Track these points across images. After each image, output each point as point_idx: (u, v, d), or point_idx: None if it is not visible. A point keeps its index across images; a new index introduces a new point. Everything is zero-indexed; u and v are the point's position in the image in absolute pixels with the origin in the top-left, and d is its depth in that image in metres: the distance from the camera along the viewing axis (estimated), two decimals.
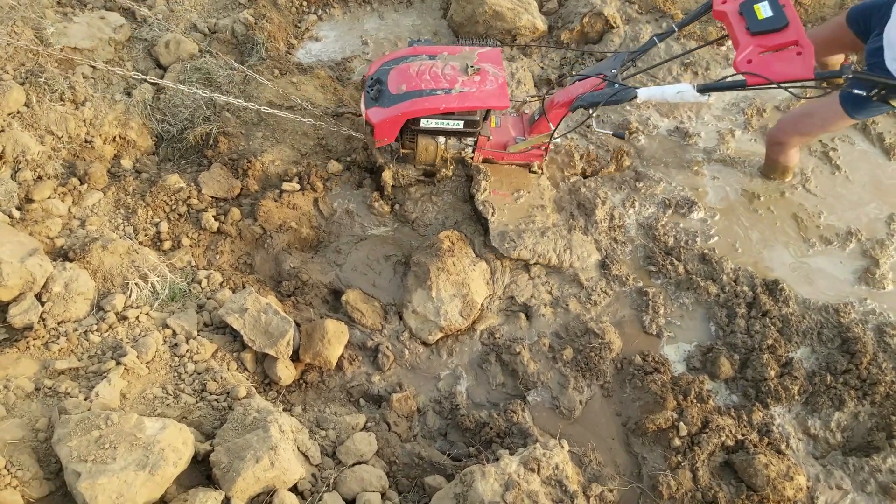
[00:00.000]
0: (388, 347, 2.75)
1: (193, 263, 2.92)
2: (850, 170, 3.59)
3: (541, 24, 4.02)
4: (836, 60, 3.39)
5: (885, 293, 3.14)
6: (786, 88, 2.43)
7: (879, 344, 2.93)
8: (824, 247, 3.28)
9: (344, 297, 2.87)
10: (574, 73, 3.82)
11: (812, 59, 2.37)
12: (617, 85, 2.73)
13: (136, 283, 2.61)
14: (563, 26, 4.06)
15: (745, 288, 3.06)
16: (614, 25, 3.95)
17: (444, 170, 3.24)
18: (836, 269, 3.21)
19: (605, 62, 2.98)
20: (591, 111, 2.79)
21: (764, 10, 2.49)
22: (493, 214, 3.07)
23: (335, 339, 2.61)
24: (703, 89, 2.53)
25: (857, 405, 2.75)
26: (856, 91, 2.65)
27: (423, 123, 2.96)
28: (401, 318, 2.89)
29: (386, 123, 2.89)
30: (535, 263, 3.08)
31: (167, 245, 2.95)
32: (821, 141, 3.66)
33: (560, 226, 3.21)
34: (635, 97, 2.65)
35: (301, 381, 2.64)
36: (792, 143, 3.31)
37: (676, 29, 2.89)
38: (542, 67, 3.96)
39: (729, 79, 2.48)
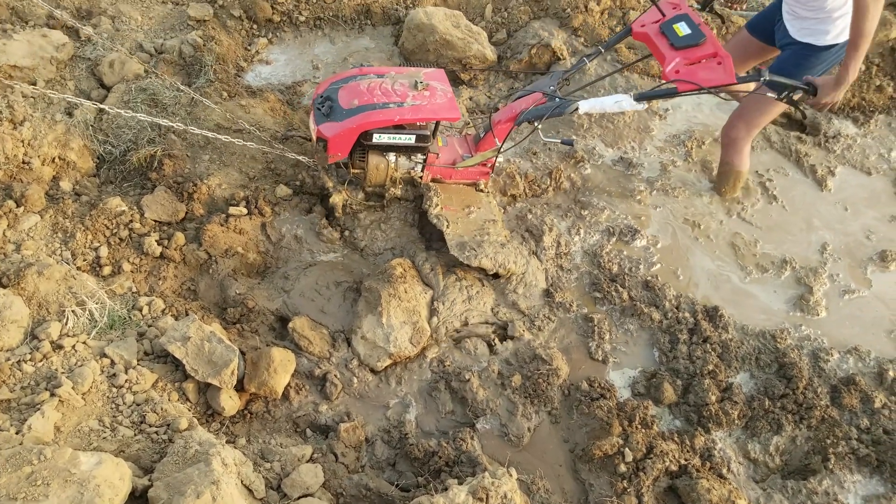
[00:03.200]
0: (336, 376, 2.72)
1: (134, 289, 2.84)
2: (785, 200, 3.75)
3: (490, 53, 4.09)
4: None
5: (819, 319, 3.27)
6: (713, 93, 2.72)
7: (814, 369, 3.05)
8: (761, 274, 3.40)
9: (291, 324, 2.83)
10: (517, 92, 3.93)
11: (731, 66, 2.70)
12: (558, 98, 2.89)
13: (72, 311, 2.52)
14: (511, 56, 4.15)
15: (687, 314, 3.14)
16: (561, 57, 4.06)
17: (393, 189, 3.24)
18: (772, 296, 3.33)
19: (542, 80, 3.17)
20: (536, 124, 2.91)
21: (683, 29, 2.81)
22: (448, 227, 3.08)
23: (281, 367, 2.56)
24: (640, 97, 2.75)
25: (794, 429, 2.84)
26: (769, 94, 2.88)
27: (376, 138, 2.96)
28: (349, 344, 2.86)
29: (340, 137, 2.89)
30: (493, 274, 3.10)
31: (107, 270, 2.86)
32: (757, 171, 3.82)
33: (516, 242, 3.26)
34: (577, 108, 2.81)
35: (246, 412, 2.58)
36: (742, 137, 3.43)
37: (603, 50, 3.16)
38: (489, 97, 4.03)
39: (661, 87, 2.75)
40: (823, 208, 3.75)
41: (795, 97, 2.83)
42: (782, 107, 3.25)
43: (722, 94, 2.89)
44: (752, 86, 3.43)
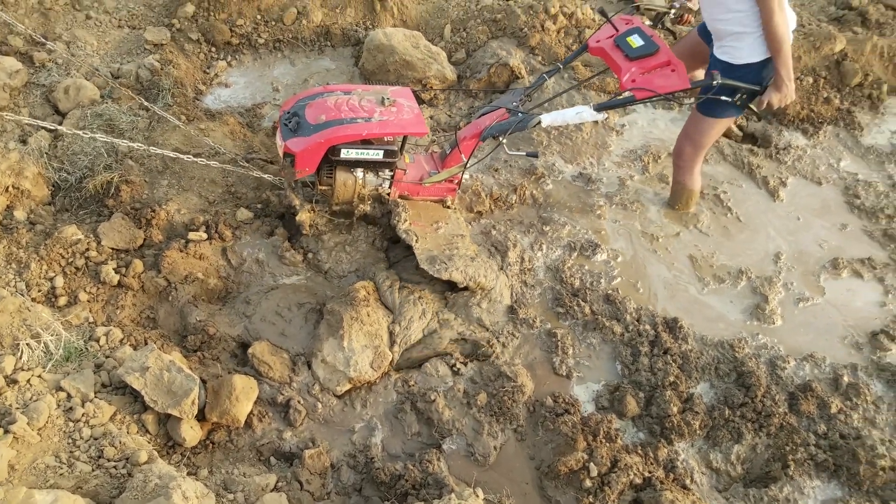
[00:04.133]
0: (299, 402, 2.70)
1: (91, 320, 2.79)
2: (739, 211, 3.85)
3: (450, 73, 4.14)
4: (700, 74, 3.68)
5: (775, 328, 3.34)
6: (669, 99, 2.88)
7: (772, 377, 3.12)
8: (718, 285, 3.48)
9: (250, 350, 2.80)
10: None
11: (685, 72, 2.86)
12: (520, 114, 2.97)
13: (27, 344, 2.46)
14: (471, 76, 4.20)
15: (648, 327, 3.19)
16: (519, 75, 4.12)
17: (361, 206, 3.24)
18: (729, 306, 3.41)
19: (504, 97, 3.29)
20: (500, 139, 2.98)
21: (636, 41, 2.96)
22: (417, 241, 3.09)
23: (244, 395, 2.54)
24: (600, 108, 2.88)
25: (754, 437, 2.90)
26: (723, 97, 3.01)
27: (344, 154, 2.96)
28: (309, 367, 2.84)
29: (307, 152, 2.88)
30: (462, 288, 3.12)
31: (63, 301, 2.81)
32: (711, 184, 3.91)
33: (485, 256, 3.29)
34: (539, 122, 2.91)
35: (207, 442, 2.54)
36: (691, 157, 3.51)
37: (562, 66, 3.26)
38: (450, 115, 4.06)
39: (620, 97, 2.89)
40: (776, 218, 3.86)
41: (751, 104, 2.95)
42: (725, 126, 3.35)
43: (678, 101, 3.02)
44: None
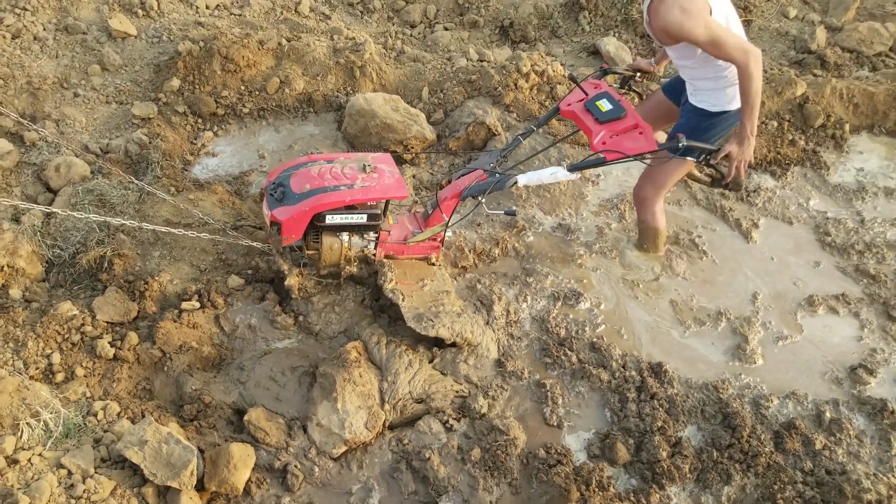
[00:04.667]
0: (296, 466, 2.74)
1: (88, 394, 2.84)
2: (715, 254, 3.98)
3: (429, 133, 4.30)
4: (663, 135, 3.84)
5: (756, 367, 3.44)
6: (638, 159, 3.01)
7: (757, 416, 3.20)
8: (699, 327, 3.58)
9: (246, 417, 2.85)
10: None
11: (652, 135, 2.98)
12: (497, 174, 3.11)
13: (27, 423, 2.51)
14: (450, 135, 4.36)
15: (633, 372, 3.28)
16: (496, 132, 4.28)
17: (348, 268, 3.33)
18: (711, 348, 3.50)
19: (481, 159, 3.43)
20: (479, 198, 3.11)
21: (605, 105, 3.09)
22: (403, 300, 3.18)
23: (241, 463, 2.58)
24: (573, 168, 3.01)
25: (742, 478, 2.96)
26: (689, 158, 3.15)
27: (329, 220, 3.08)
28: (305, 431, 2.89)
29: (293, 220, 3.00)
30: (450, 344, 3.19)
31: (60, 377, 2.86)
32: (685, 230, 4.05)
33: (471, 311, 3.38)
34: (516, 182, 3.04)
35: None
36: (651, 197, 3.63)
37: (535, 129, 3.40)
38: (432, 174, 4.21)
39: (591, 158, 3.02)
40: (751, 259, 3.99)
41: (712, 161, 3.09)
42: (686, 168, 3.45)
43: (646, 161, 3.14)
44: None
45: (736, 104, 3.09)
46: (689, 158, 3.20)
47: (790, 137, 4.68)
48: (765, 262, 3.99)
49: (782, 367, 3.45)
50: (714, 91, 3.14)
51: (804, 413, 3.24)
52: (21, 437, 2.47)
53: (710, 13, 2.80)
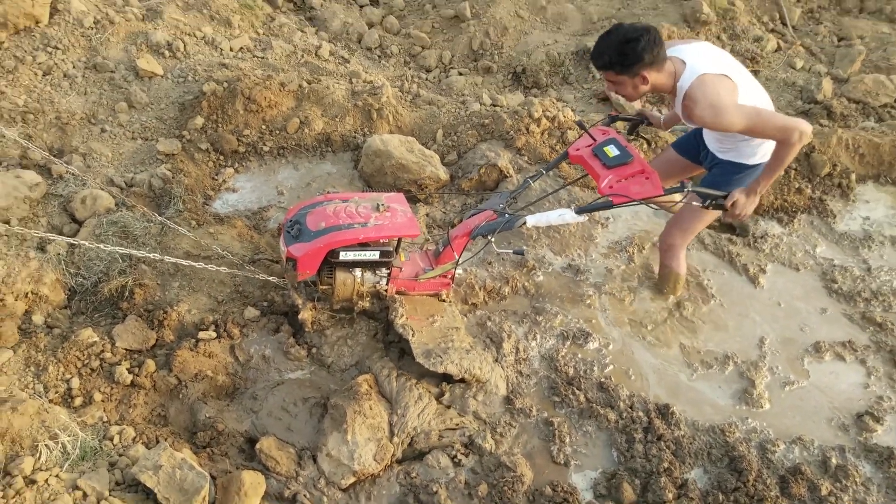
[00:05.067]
0: (305, 496, 2.78)
1: (105, 419, 2.90)
2: (722, 298, 4.04)
3: (443, 174, 4.42)
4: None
5: (763, 412, 3.46)
6: (645, 203, 3.06)
7: (763, 460, 3.21)
8: (706, 370, 3.62)
9: (258, 446, 2.90)
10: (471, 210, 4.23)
11: (658, 180, 3.03)
12: (507, 215, 3.19)
13: (46, 445, 2.57)
14: (463, 176, 4.48)
15: (641, 413, 3.31)
16: (507, 175, 4.40)
17: (361, 302, 3.41)
18: (718, 391, 3.53)
19: (492, 199, 3.50)
20: (489, 238, 3.20)
21: (612, 151, 3.16)
22: (413, 335, 3.24)
23: (252, 490, 2.62)
24: (580, 211, 3.09)
25: None
26: (694, 203, 3.20)
27: (343, 256, 3.17)
28: (315, 461, 2.93)
29: (308, 256, 3.10)
30: (459, 380, 3.24)
31: (78, 401, 2.93)
32: (693, 274, 4.12)
33: (480, 348, 3.43)
34: (525, 223, 3.11)
35: None
36: (678, 244, 3.72)
37: (544, 172, 3.48)
38: (444, 213, 4.31)
39: (598, 201, 3.08)
40: (759, 304, 4.04)
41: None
42: (713, 215, 3.55)
43: (652, 205, 3.22)
44: (677, 197, 3.75)
45: (766, 159, 3.16)
46: (695, 203, 3.28)
47: (797, 185, 4.77)
48: (772, 307, 4.04)
49: (789, 413, 3.47)
50: (750, 146, 3.19)
51: (810, 458, 3.25)
52: (39, 458, 2.53)
53: (738, 95, 2.85)
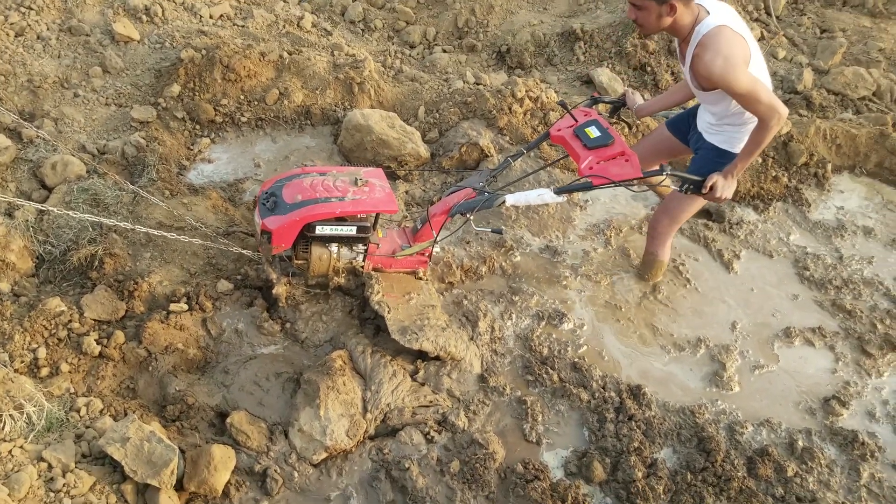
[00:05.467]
0: (276, 471, 2.76)
1: (72, 390, 2.85)
2: (697, 282, 4.07)
3: (424, 151, 4.38)
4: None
5: (733, 394, 3.50)
6: (624, 186, 3.06)
7: (731, 441, 3.26)
8: (678, 353, 3.65)
9: (229, 420, 2.87)
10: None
11: (637, 163, 3.06)
12: (486, 193, 3.16)
13: (10, 415, 2.52)
14: (444, 154, 4.44)
15: (613, 393, 3.33)
16: (489, 154, 4.37)
17: (336, 278, 3.38)
18: (689, 373, 3.57)
19: (472, 178, 3.48)
20: (468, 216, 3.17)
21: (593, 132, 3.16)
22: (388, 312, 3.22)
23: (222, 465, 2.60)
24: (560, 191, 3.07)
25: (715, 501, 3.01)
26: (673, 187, 3.21)
27: (319, 230, 3.13)
28: (287, 437, 2.92)
29: (283, 229, 3.05)
30: (433, 357, 3.23)
31: (45, 372, 2.87)
32: (670, 257, 4.14)
33: (455, 326, 3.42)
34: (504, 202, 3.10)
35: None
36: (666, 231, 3.73)
37: (525, 151, 3.47)
38: (424, 191, 4.28)
39: (578, 182, 3.08)
40: (732, 289, 4.08)
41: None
42: (700, 202, 3.55)
43: (633, 187, 3.21)
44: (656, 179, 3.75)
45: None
46: (673, 187, 3.29)
47: (773, 174, 4.81)
48: (745, 292, 4.08)
49: (758, 396, 3.52)
50: (738, 132, 3.20)
51: (777, 441, 3.30)
52: (3, 428, 2.48)
53: (748, 64, 2.86)
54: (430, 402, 3.14)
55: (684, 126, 3.59)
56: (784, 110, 2.84)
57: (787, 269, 4.30)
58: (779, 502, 3.03)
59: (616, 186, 3.08)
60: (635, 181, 3.09)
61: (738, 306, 3.98)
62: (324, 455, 2.86)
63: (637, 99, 3.64)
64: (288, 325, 3.36)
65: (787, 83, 5.66)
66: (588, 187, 3.10)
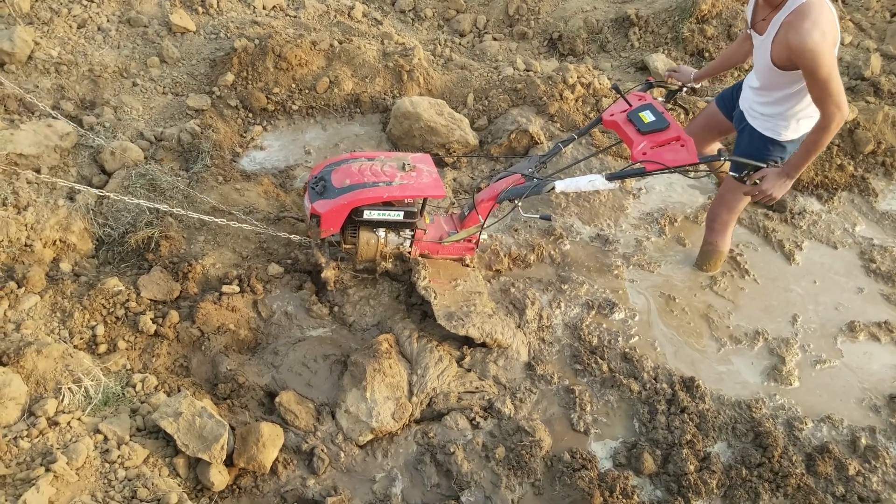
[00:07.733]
0: (323, 450, 2.78)
1: (128, 367, 2.93)
2: (756, 273, 3.93)
3: (472, 139, 4.35)
4: (713, 149, 3.83)
5: (792, 389, 3.37)
6: (679, 172, 2.96)
7: (789, 437, 3.13)
8: (735, 346, 3.53)
9: (277, 399, 2.91)
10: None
11: (694, 148, 2.94)
12: (535, 179, 3.11)
13: (69, 388, 2.60)
14: (492, 141, 4.40)
15: (665, 385, 3.24)
16: (538, 141, 4.31)
17: (384, 263, 3.38)
18: (746, 366, 3.45)
19: (521, 163, 3.42)
20: (516, 202, 3.13)
21: (648, 116, 3.07)
22: (435, 298, 3.21)
23: (270, 442, 2.63)
24: (612, 177, 2.99)
25: (771, 497, 2.90)
26: (731, 173, 3.09)
27: (367, 215, 3.14)
28: (333, 417, 2.93)
29: (332, 213, 3.07)
30: (480, 344, 3.21)
31: (103, 348, 2.96)
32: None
33: (502, 314, 3.39)
34: (553, 188, 3.04)
35: (234, 487, 2.63)
36: (726, 220, 3.61)
37: (576, 137, 3.39)
38: (472, 178, 4.25)
39: (630, 167, 2.99)
40: (793, 281, 3.92)
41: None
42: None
43: (691, 174, 3.11)
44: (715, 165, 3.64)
45: (797, 135, 3.06)
46: (731, 174, 3.17)
47: (839, 162, 4.60)
48: (807, 284, 3.92)
49: (818, 391, 3.37)
50: (784, 120, 3.08)
51: (839, 438, 3.16)
52: (63, 401, 2.57)
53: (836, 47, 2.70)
54: (476, 388, 3.11)
55: (728, 101, 3.48)
56: (847, 113, 2.72)
57: (852, 261, 4.11)
58: (840, 501, 2.90)
59: (672, 173, 2.99)
60: (691, 167, 2.99)
61: (800, 299, 3.83)
62: (370, 436, 2.86)
63: (686, 68, 3.54)
64: (336, 308, 3.38)
65: (854, 69, 5.40)
66: (641, 173, 3.00)
